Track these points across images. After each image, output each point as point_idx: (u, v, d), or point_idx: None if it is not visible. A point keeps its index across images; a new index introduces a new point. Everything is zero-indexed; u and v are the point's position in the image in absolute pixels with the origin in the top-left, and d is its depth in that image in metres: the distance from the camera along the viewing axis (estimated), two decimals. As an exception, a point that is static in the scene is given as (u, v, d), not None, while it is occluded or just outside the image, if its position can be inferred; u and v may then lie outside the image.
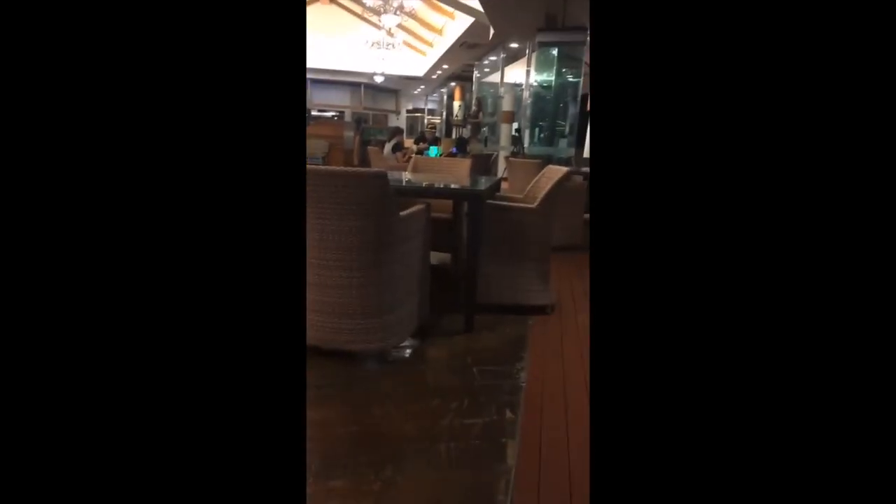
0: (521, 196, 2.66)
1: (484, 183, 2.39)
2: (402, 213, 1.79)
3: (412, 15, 8.66)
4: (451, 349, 1.95)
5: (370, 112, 15.03)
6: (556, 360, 1.90)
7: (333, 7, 11.57)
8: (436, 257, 2.62)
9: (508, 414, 1.49)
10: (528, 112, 6.89)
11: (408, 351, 1.94)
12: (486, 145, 9.64)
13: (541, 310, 2.33)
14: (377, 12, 7.95)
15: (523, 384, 1.69)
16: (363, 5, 8.18)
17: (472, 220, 2.09)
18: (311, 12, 10.27)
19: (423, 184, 2.31)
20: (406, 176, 2.78)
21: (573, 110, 6.47)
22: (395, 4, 7.55)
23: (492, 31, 6.53)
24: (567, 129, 6.55)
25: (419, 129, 14.61)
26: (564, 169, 2.45)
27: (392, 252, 1.73)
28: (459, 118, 11.57)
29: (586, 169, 4.53)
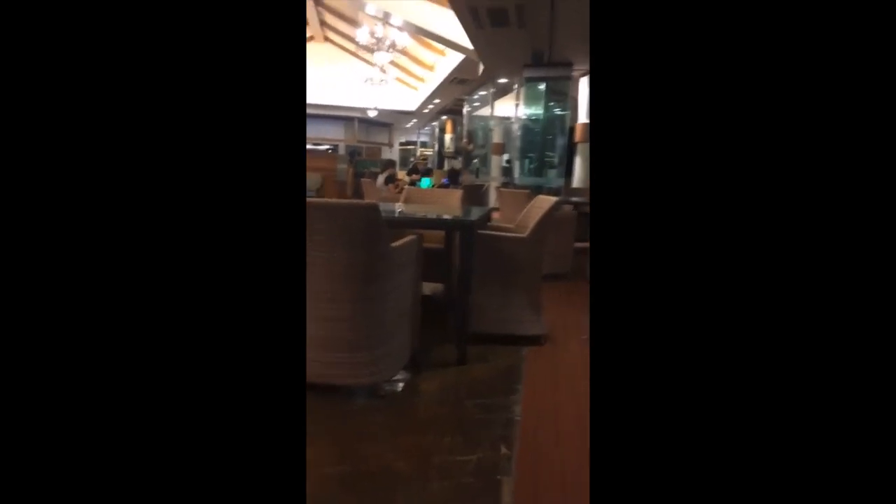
0: (511, 226, 2.68)
1: (475, 213, 2.41)
2: (394, 245, 1.79)
3: (404, 52, 8.93)
4: (443, 382, 1.92)
5: (364, 145, 15.27)
6: (551, 392, 1.87)
7: (328, 45, 11.93)
8: (428, 287, 2.61)
9: (503, 449, 1.46)
10: (518, 144, 7.04)
11: (400, 384, 1.90)
12: (477, 176, 9.79)
13: (534, 340, 2.31)
14: (370, 50, 8.19)
15: (518, 418, 1.65)
16: (356, 43, 8.43)
17: (464, 250, 2.09)
18: (307, 50, 10.56)
19: (416, 215, 2.33)
20: (398, 207, 2.80)
21: (561, 142, 6.62)
22: (388, 42, 7.80)
23: (481, 68, 6.74)
24: (556, 160, 6.69)
25: (412, 161, 14.85)
26: (553, 199, 2.48)
27: (384, 284, 1.73)
28: (451, 150, 11.79)
29: (576, 198, 4.60)
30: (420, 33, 6.41)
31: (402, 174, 8.17)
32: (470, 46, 5.49)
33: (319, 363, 1.69)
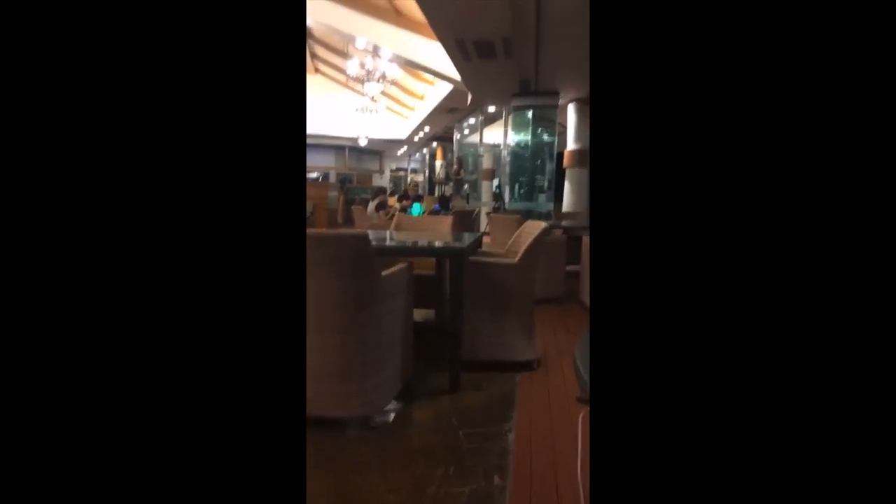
0: (502, 251, 2.71)
1: (466, 240, 2.43)
2: (385, 273, 1.80)
3: (394, 83, 9.14)
4: (436, 411, 1.90)
5: (355, 172, 15.42)
6: (545, 419, 1.85)
7: (319, 76, 12.18)
8: (420, 314, 2.61)
9: (497, 479, 1.43)
10: (508, 169, 7.16)
11: (391, 415, 1.88)
12: (468, 202, 9.89)
13: (527, 365, 2.30)
14: (361, 81, 8.37)
15: (511, 447, 1.63)
16: (347, 75, 8.62)
17: (455, 276, 2.10)
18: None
19: (407, 243, 2.35)
20: (389, 235, 2.81)
21: (550, 166, 6.74)
22: (378, 74, 7.98)
23: (470, 97, 6.91)
24: (546, 185, 6.79)
25: (402, 188, 14.97)
26: (543, 224, 2.52)
27: (375, 312, 1.72)
28: (442, 176, 11.93)
29: (566, 222, 4.65)
30: (409, 65, 6.58)
31: (392, 200, 8.23)
32: (458, 77, 5.63)
33: (309, 395, 1.66)
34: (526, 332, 2.34)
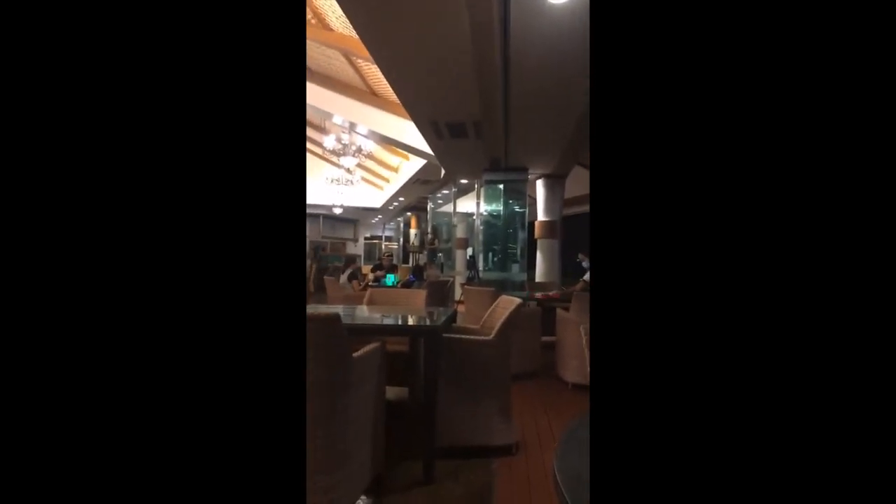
0: (477, 326, 2.67)
1: (440, 316, 2.40)
2: (356, 354, 1.73)
3: (370, 156, 9.46)
4: (409, 507, 1.76)
5: (328, 240, 15.43)
6: (526, 512, 1.74)
7: (296, 149, 12.49)
8: (392, 391, 2.49)
9: (476, 591, 1.30)
10: (481, 238, 7.31)
11: (361, 513, 1.72)
12: (442, 271, 9.94)
13: (505, 450, 2.19)
14: (337, 154, 8.63)
15: (491, 547, 1.50)
16: (324, 148, 8.90)
17: (429, 357, 2.04)
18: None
19: (379, 320, 2.29)
20: (361, 311, 2.76)
21: (522, 235, 6.93)
22: (354, 148, 8.27)
23: (443, 171, 7.18)
24: (518, 254, 6.93)
25: (377, 256, 15.00)
26: (517, 300, 2.52)
27: (344, 398, 1.63)
28: (416, 245, 12.06)
29: (539, 294, 4.70)
30: (384, 141, 6.86)
31: (366, 269, 8.19)
32: (432, 153, 5.89)
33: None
34: (503, 413, 2.26)
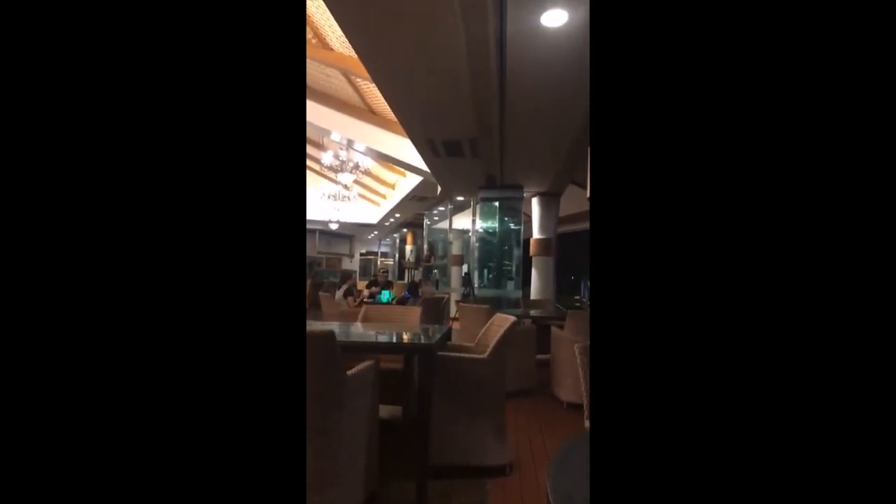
0: (472, 344, 2.67)
1: (434, 333, 2.39)
2: (350, 372, 1.73)
3: (367, 172, 9.53)
4: (402, 529, 1.73)
5: (324, 256, 15.40)
6: (520, 534, 1.71)
7: (293, 164, 12.55)
8: (386, 410, 2.47)
9: None
10: (476, 254, 7.33)
11: (352, 535, 1.69)
12: (437, 287, 9.92)
13: (499, 470, 2.17)
14: (335, 170, 8.68)
15: (484, 571, 1.48)
16: (322, 164, 8.96)
17: (423, 375, 2.04)
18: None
19: (374, 338, 2.29)
20: (356, 328, 2.75)
21: (517, 253, 6.95)
22: (351, 165, 8.33)
23: (439, 188, 7.24)
24: (514, 271, 6.95)
25: (372, 272, 14.97)
26: (512, 318, 2.52)
27: (337, 415, 1.62)
28: (412, 261, 12.06)
29: (534, 311, 4.69)
30: (381, 158, 6.92)
31: (362, 285, 8.17)
32: (428, 170, 5.94)
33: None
34: (498, 432, 2.24)
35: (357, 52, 2.97)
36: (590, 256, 0.59)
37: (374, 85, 3.76)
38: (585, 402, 1.48)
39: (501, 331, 2.40)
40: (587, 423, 1.36)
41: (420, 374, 2.06)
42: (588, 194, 2.50)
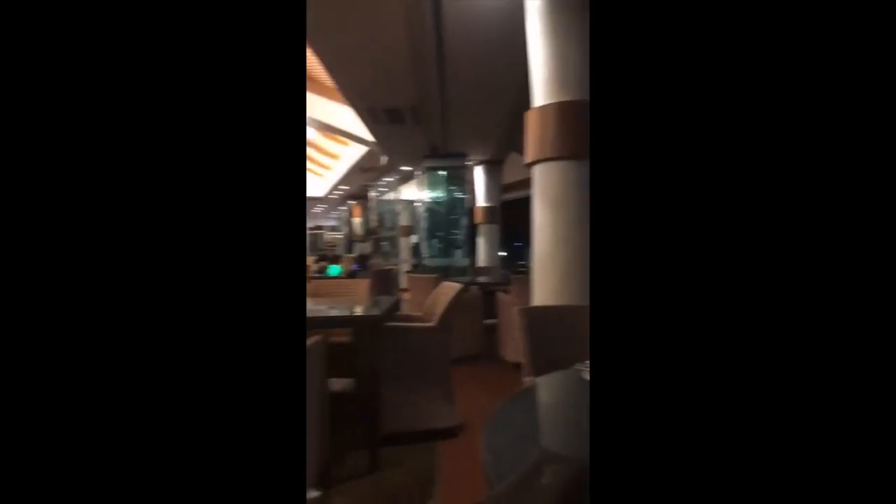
0: (419, 313, 2.71)
1: (382, 305, 2.41)
2: (295, 350, 1.72)
3: (310, 144, 9.15)
4: (356, 496, 1.78)
5: (268, 231, 14.81)
6: (469, 491, 1.81)
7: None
8: (337, 383, 2.48)
9: (421, 568, 1.35)
10: (425, 225, 7.34)
11: (307, 506, 1.73)
12: (386, 259, 9.88)
13: (448, 433, 2.26)
14: (272, 141, 8.26)
15: (436, 526, 1.57)
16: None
17: (371, 346, 2.06)
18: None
19: (322, 312, 2.27)
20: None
21: (465, 221, 7.03)
22: (290, 135, 7.95)
23: (384, 157, 7.10)
24: (461, 239, 7.04)
25: (320, 246, 14.63)
26: (458, 285, 2.58)
27: (284, 395, 1.62)
28: (360, 234, 11.89)
29: (482, 278, 4.81)
30: (324, 128, 6.66)
31: (310, 260, 7.99)
32: (372, 139, 5.80)
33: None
34: (445, 397, 2.32)
35: (286, 15, 2.81)
36: (590, 254, 0.59)
37: (311, 50, 3.58)
38: (525, 361, 1.57)
39: (448, 299, 2.46)
40: (524, 380, 1.45)
41: (368, 345, 2.08)
42: (526, 159, 2.55)
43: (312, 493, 1.77)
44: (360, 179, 10.25)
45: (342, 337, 2.70)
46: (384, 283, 5.46)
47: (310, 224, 16.62)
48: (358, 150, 7.85)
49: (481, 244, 6.95)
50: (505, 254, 7.11)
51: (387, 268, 6.72)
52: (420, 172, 7.54)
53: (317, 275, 5.95)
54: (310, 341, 1.85)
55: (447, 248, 7.03)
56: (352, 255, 9.45)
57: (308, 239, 16.01)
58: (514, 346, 3.50)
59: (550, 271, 2.44)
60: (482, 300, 3.95)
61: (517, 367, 3.42)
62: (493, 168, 6.84)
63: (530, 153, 2.51)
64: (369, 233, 10.86)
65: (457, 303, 2.45)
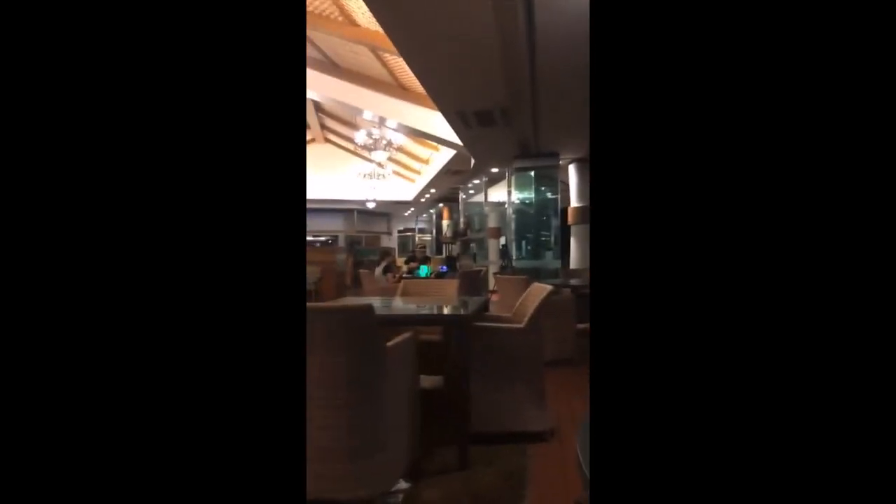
0: (509, 315, 2.68)
1: (471, 305, 2.41)
2: (390, 344, 1.78)
3: (400, 149, 9.54)
4: (445, 491, 1.80)
5: (363, 234, 15.70)
6: (559, 496, 1.74)
7: (328, 145, 12.75)
8: (428, 381, 2.54)
9: (511, 572, 1.32)
10: (513, 226, 7.26)
11: (399, 496, 1.78)
12: (475, 260, 9.93)
13: (539, 436, 2.20)
14: (368, 149, 8.75)
15: (526, 531, 1.52)
16: (355, 143, 9.03)
17: (461, 345, 2.07)
18: (308, 151, 11.25)
19: (412, 311, 2.34)
20: (395, 302, 2.81)
21: (555, 223, 6.83)
22: (384, 142, 8.35)
23: (473, 161, 7.16)
24: (552, 241, 6.85)
25: (410, 248, 15.15)
26: (549, 287, 2.50)
27: (379, 387, 1.69)
28: (449, 236, 12.10)
29: (574, 281, 4.63)
30: (414, 133, 6.89)
31: (400, 262, 8.30)
32: (461, 143, 5.87)
33: (310, 476, 1.59)
34: (537, 400, 2.26)
35: (382, 25, 2.94)
36: (590, 250, 0.61)
37: (402, 59, 3.72)
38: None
39: (538, 300, 2.39)
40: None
41: (458, 344, 2.09)
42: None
43: (402, 485, 1.82)
44: (450, 182, 10.44)
45: (433, 335, 2.75)
46: (473, 283, 5.49)
47: (400, 227, 17.29)
48: (447, 154, 8.01)
49: (574, 245, 6.70)
50: (598, 256, 6.78)
51: (475, 269, 6.75)
52: (509, 174, 7.47)
53: (407, 275, 6.16)
54: (400, 337, 1.91)
55: (537, 249, 6.88)
56: (441, 256, 9.66)
57: (398, 241, 16.67)
58: (608, 353, 3.31)
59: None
60: (575, 303, 3.80)
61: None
62: (586, 166, 6.57)
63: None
64: (457, 234, 11.01)
65: (547, 304, 2.38)
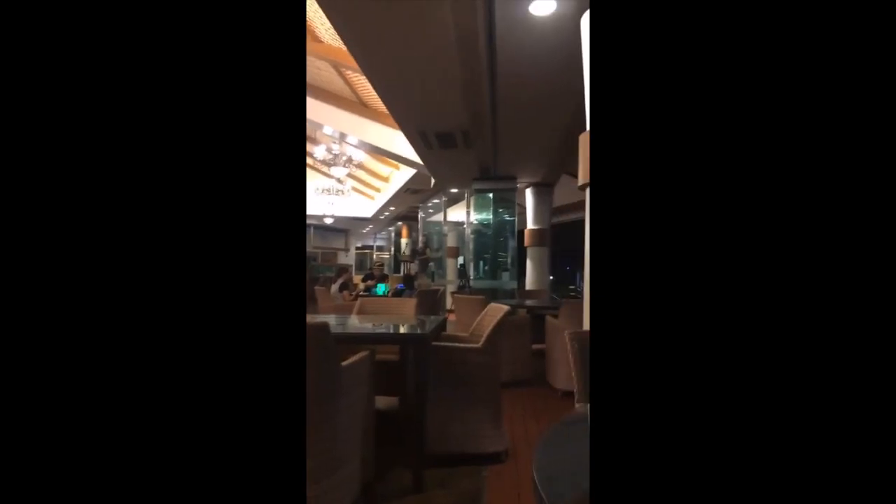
0: (466, 334, 2.69)
1: (429, 324, 2.41)
2: (345, 364, 1.74)
3: (360, 166, 9.49)
4: (399, 515, 1.75)
5: (319, 251, 15.38)
6: (515, 519, 1.74)
7: (286, 159, 12.46)
8: (383, 401, 2.49)
9: None
10: (472, 246, 7.35)
11: (350, 522, 1.72)
12: (433, 279, 9.94)
13: (495, 457, 2.20)
14: (328, 164, 8.65)
15: (480, 554, 1.51)
16: (315, 158, 8.91)
17: (418, 364, 2.05)
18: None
19: (368, 329, 2.30)
20: (352, 321, 2.76)
21: (512, 244, 6.98)
22: (344, 158, 8.29)
23: (433, 180, 7.23)
24: (509, 262, 6.98)
25: (368, 266, 14.97)
26: (505, 307, 2.54)
27: (332, 406, 1.64)
28: (407, 254, 12.07)
29: (530, 302, 4.72)
30: (375, 151, 6.89)
31: (358, 279, 8.17)
32: (421, 162, 5.93)
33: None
34: (493, 420, 2.27)
35: (346, 44, 2.96)
36: (589, 249, 0.61)
37: (364, 77, 3.74)
38: (576, 388, 1.51)
39: (495, 321, 2.42)
40: (577, 406, 1.39)
41: (415, 364, 2.08)
42: (579, 182, 2.51)
43: (356, 510, 1.76)
44: (409, 201, 10.47)
45: (389, 355, 2.72)
46: (430, 302, 5.48)
47: (358, 244, 17.08)
48: (407, 173, 8.05)
49: (530, 267, 6.86)
50: (552, 278, 6.96)
51: (433, 288, 6.75)
52: (468, 194, 7.60)
53: (364, 293, 6.07)
54: (356, 356, 1.88)
55: (494, 270, 6.98)
56: (399, 275, 9.59)
57: (355, 258, 16.43)
58: (563, 374, 3.38)
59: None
60: (530, 324, 3.87)
61: (566, 395, 3.30)
62: (543, 190, 6.79)
63: (583, 175, 2.47)
64: (416, 253, 11.00)
65: (504, 324, 2.41)
